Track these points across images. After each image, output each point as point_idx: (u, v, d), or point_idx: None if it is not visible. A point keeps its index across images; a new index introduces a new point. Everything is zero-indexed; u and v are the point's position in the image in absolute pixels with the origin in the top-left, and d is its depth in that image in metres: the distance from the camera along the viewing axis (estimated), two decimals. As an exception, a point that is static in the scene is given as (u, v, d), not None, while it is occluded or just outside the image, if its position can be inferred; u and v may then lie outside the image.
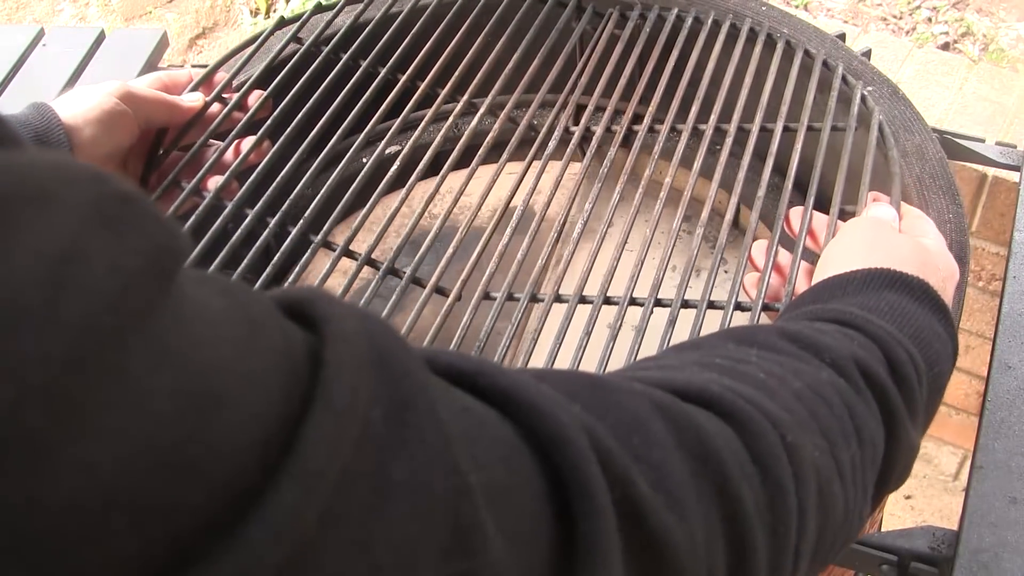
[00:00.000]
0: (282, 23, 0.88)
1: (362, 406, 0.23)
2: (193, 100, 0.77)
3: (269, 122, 0.77)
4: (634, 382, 0.35)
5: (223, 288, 0.23)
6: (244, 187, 0.73)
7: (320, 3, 0.89)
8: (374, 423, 0.23)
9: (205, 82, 0.81)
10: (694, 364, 0.40)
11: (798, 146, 0.73)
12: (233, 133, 0.76)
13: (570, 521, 0.27)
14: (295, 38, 0.86)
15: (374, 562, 0.22)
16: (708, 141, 0.76)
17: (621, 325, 0.64)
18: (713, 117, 0.77)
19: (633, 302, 0.66)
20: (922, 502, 1.48)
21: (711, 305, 0.64)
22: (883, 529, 0.75)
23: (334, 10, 0.89)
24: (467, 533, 0.24)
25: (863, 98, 0.77)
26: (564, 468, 0.28)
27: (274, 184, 0.73)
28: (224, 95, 0.80)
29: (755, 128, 0.76)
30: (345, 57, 0.83)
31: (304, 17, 0.88)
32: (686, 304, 0.65)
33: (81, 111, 0.69)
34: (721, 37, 0.84)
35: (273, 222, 0.71)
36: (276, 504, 0.20)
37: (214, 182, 0.74)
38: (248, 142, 0.76)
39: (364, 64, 0.83)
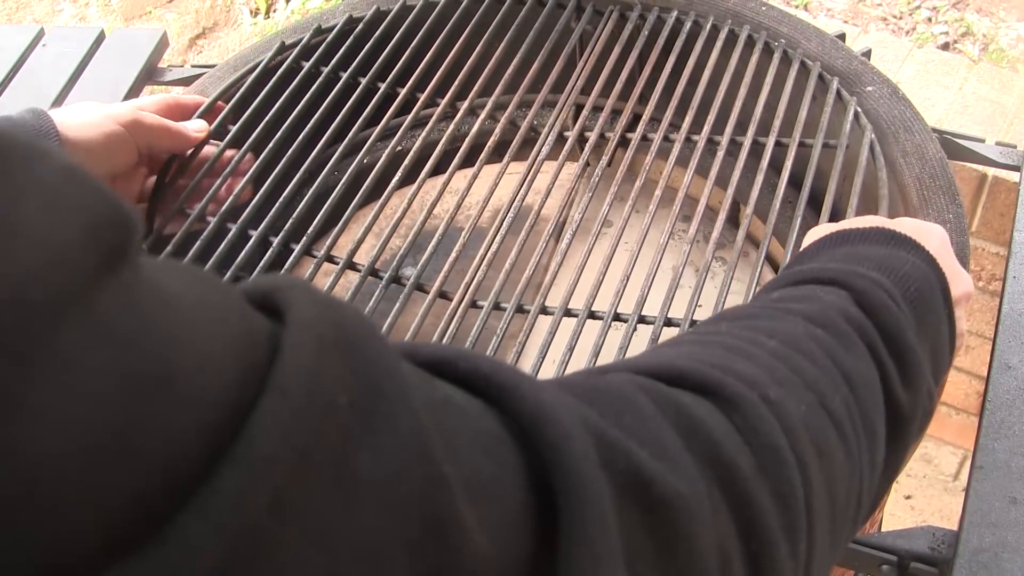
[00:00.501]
0: (283, 49, 0.88)
1: (324, 392, 0.22)
2: (199, 129, 0.77)
3: (272, 145, 0.78)
4: (605, 372, 0.35)
5: (186, 274, 0.23)
6: (248, 209, 0.74)
7: (320, 27, 0.89)
8: (339, 410, 0.22)
9: (210, 110, 0.81)
10: (662, 347, 0.39)
11: (788, 163, 0.73)
12: (232, 164, 0.77)
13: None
14: (295, 61, 0.86)
15: (334, 555, 0.21)
16: (702, 150, 0.76)
17: (603, 343, 0.64)
18: (707, 128, 0.77)
19: (617, 318, 0.66)
20: (922, 502, 1.48)
21: (694, 324, 0.65)
22: (883, 529, 0.75)
23: (333, 32, 0.89)
24: (442, 526, 0.23)
25: (856, 115, 0.77)
26: (543, 447, 0.26)
27: (277, 204, 0.74)
28: (229, 125, 0.80)
29: (747, 141, 0.76)
30: (345, 76, 0.84)
31: (304, 41, 0.88)
32: (669, 323, 0.65)
33: (83, 129, 0.68)
34: (719, 44, 0.84)
35: (276, 241, 0.72)
36: (216, 491, 0.19)
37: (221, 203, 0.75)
38: (239, 177, 0.77)
39: (364, 81, 0.84)
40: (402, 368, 0.25)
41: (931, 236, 0.53)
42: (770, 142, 0.76)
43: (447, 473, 0.24)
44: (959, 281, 0.52)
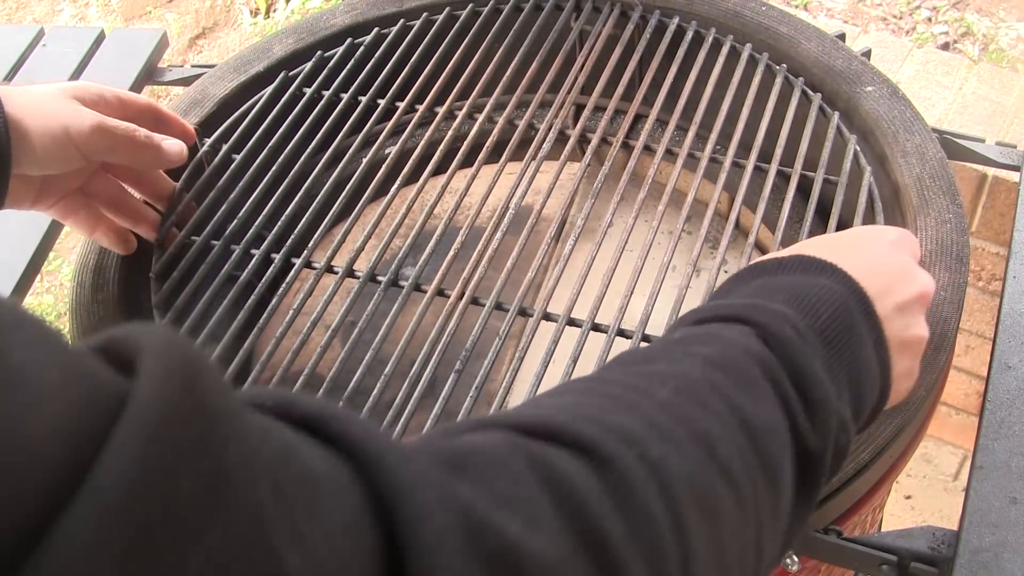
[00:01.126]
0: (287, 80, 0.88)
1: (158, 478, 0.20)
2: (174, 150, 0.71)
3: (276, 167, 0.79)
4: (484, 427, 0.33)
5: (33, 339, 0.21)
6: (252, 229, 0.75)
7: (322, 55, 0.89)
8: (176, 498, 0.20)
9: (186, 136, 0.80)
10: (547, 396, 0.38)
11: (790, 193, 0.74)
12: (239, 187, 0.77)
13: None
14: (298, 89, 0.87)
15: None
16: (704, 170, 0.76)
17: (607, 357, 0.64)
18: (709, 146, 0.77)
19: (621, 333, 0.66)
20: (922, 502, 1.48)
21: None
22: (883, 529, 0.75)
23: (335, 59, 0.89)
24: None
25: (856, 155, 0.77)
26: (399, 527, 0.25)
27: (280, 221, 0.75)
28: (233, 155, 0.81)
29: (750, 165, 0.76)
30: (346, 97, 0.85)
31: (306, 71, 0.88)
32: None
33: (37, 132, 0.61)
34: (720, 60, 0.84)
35: (278, 257, 0.73)
36: None
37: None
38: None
39: (364, 99, 0.84)
40: (254, 445, 0.23)
41: (870, 248, 0.51)
42: (772, 168, 0.76)
43: (290, 566, 0.22)
44: (910, 283, 0.50)
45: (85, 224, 0.72)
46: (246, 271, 0.72)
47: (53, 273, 1.88)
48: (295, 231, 0.74)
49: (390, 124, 0.83)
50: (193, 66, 1.00)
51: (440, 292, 0.70)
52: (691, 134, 0.78)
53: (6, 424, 0.19)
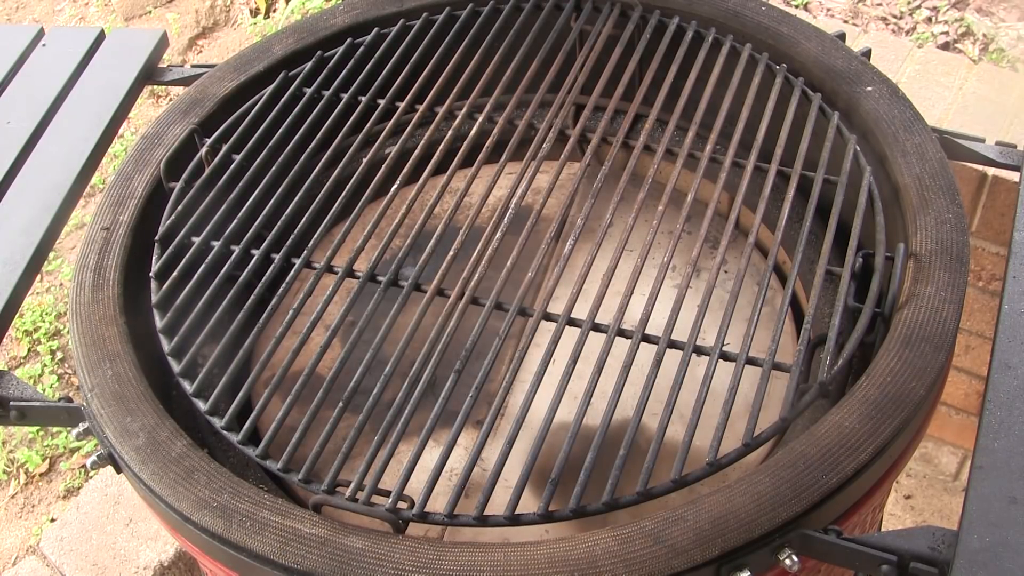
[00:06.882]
0: (287, 80, 0.88)
1: None
2: None
3: (276, 167, 0.79)
4: None
5: None
6: (252, 230, 0.75)
7: (322, 55, 0.90)
8: None
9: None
10: None
11: (790, 193, 0.74)
12: (239, 187, 0.78)
13: None
14: (298, 88, 0.87)
15: None
16: (704, 169, 0.76)
17: (607, 358, 0.64)
18: (709, 146, 0.77)
19: (621, 333, 0.66)
20: (922, 502, 1.48)
21: (697, 351, 0.65)
22: (883, 529, 0.75)
23: (334, 59, 0.90)
24: None
25: (855, 154, 0.77)
26: None
27: (280, 221, 0.75)
28: (233, 155, 0.81)
29: (750, 165, 0.76)
30: (346, 97, 0.85)
31: (306, 71, 0.89)
32: (673, 344, 0.65)
33: None
34: (720, 60, 0.84)
35: (278, 257, 0.73)
36: None
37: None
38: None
39: (364, 99, 0.85)
40: None
41: None
42: (772, 168, 0.77)
43: None
44: None
45: None
46: (246, 271, 0.72)
47: (53, 273, 1.88)
48: (295, 231, 0.74)
49: (390, 124, 0.83)
50: (193, 66, 1.00)
51: (440, 292, 0.70)
52: (691, 134, 0.78)
53: None
